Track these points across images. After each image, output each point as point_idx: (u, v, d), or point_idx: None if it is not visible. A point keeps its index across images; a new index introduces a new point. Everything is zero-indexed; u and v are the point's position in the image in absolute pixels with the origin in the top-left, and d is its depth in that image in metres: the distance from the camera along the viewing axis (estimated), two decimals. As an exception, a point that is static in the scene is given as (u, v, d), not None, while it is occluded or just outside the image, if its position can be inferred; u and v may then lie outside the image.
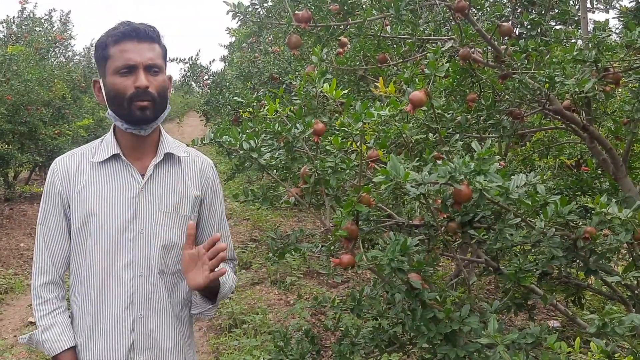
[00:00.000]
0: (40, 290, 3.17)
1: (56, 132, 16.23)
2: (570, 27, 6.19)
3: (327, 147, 3.51)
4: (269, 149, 3.58)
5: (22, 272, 10.99)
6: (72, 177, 3.16)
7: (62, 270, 3.23)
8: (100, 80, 3.14)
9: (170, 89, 3.26)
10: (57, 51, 20.30)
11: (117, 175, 3.15)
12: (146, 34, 3.05)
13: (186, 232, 3.06)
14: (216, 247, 2.95)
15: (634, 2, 5.10)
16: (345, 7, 4.84)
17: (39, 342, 3.15)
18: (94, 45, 3.30)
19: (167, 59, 3.26)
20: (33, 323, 8.65)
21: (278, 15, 4.98)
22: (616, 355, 2.79)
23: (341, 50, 5.38)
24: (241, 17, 4.83)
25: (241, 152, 3.46)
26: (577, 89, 4.04)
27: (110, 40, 3.05)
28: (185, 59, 13.19)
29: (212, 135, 3.48)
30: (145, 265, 3.12)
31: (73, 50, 22.07)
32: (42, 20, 18.48)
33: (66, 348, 3.13)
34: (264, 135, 3.56)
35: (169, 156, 3.25)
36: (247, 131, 3.51)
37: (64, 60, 20.75)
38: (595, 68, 4.23)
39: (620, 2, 5.52)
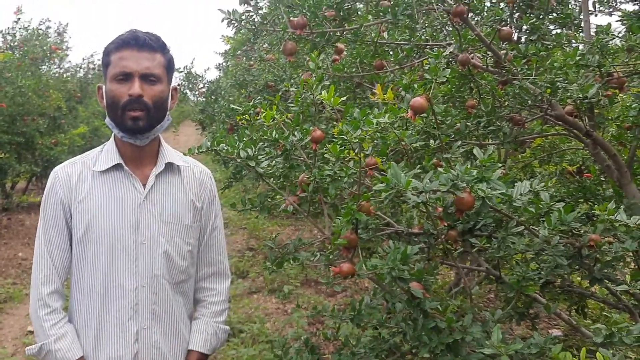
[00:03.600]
0: (47, 300, 3.10)
1: (53, 141, 16.24)
2: (570, 30, 6.14)
3: (326, 155, 3.46)
4: (267, 157, 3.53)
5: (21, 282, 10.92)
6: (74, 186, 3.12)
7: (64, 279, 3.18)
8: (103, 86, 3.10)
9: (174, 100, 3.24)
10: (54, 62, 20.31)
11: (119, 185, 3.12)
12: (146, 43, 3.01)
13: None
14: None
15: (638, 5, 5.06)
16: (342, 13, 4.81)
17: (51, 352, 3.07)
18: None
19: (173, 70, 3.23)
20: (32, 332, 8.61)
21: (273, 22, 4.94)
22: (623, 365, 2.73)
23: (337, 57, 5.34)
24: (236, 24, 4.79)
25: (238, 160, 3.42)
26: (580, 95, 3.99)
27: (111, 47, 3.04)
28: (180, 67, 13.18)
29: (209, 143, 3.43)
30: (148, 275, 3.09)
31: (69, 61, 22.10)
32: (38, 32, 18.46)
33: (78, 357, 3.09)
34: (261, 143, 3.51)
35: (169, 166, 3.22)
36: (244, 139, 3.46)
37: (60, 70, 20.77)
38: (598, 73, 4.18)
39: (622, 6, 5.49)
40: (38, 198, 17.04)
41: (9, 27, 17.55)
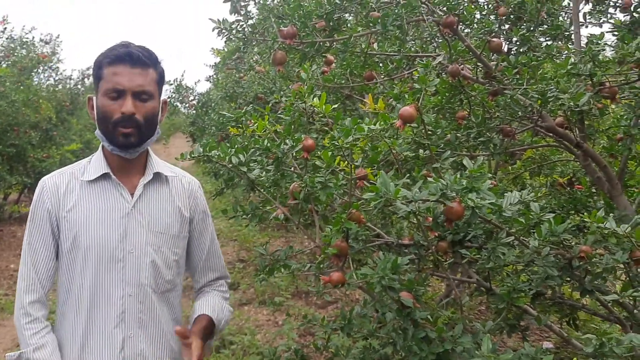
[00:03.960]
0: (28, 309, 3.08)
1: (44, 155, 16.19)
2: (560, 42, 6.16)
3: (317, 163, 3.46)
4: (258, 166, 3.53)
5: (13, 293, 10.75)
6: (62, 196, 3.11)
7: (47, 289, 3.16)
8: (94, 98, 3.10)
9: (164, 113, 3.24)
10: (46, 74, 20.25)
11: (107, 194, 3.12)
12: (139, 59, 3.00)
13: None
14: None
15: (629, 16, 5.07)
16: (331, 24, 4.81)
17: None
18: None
19: (163, 83, 3.23)
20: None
21: (264, 31, 4.94)
22: (614, 376, 2.72)
23: (326, 69, 5.34)
24: (226, 33, 4.79)
25: (230, 166, 3.42)
26: (572, 103, 3.99)
27: (105, 61, 3.02)
28: (170, 80, 13.15)
29: (201, 149, 3.43)
30: (135, 284, 3.08)
31: (62, 73, 21.99)
32: (24, 39, 18.36)
33: None
34: (252, 150, 3.51)
35: (157, 176, 3.22)
36: (236, 146, 3.46)
37: (53, 82, 20.69)
38: (590, 82, 4.18)
39: (614, 16, 5.50)
40: (29, 209, 16.80)
41: None
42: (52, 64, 20.09)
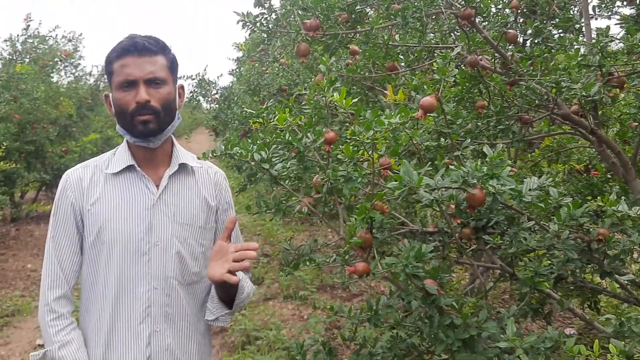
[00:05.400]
0: (53, 305, 3.07)
1: (63, 149, 16.16)
2: (572, 34, 6.22)
3: (339, 157, 3.50)
4: (281, 160, 3.57)
5: (29, 294, 10.81)
6: (85, 189, 3.12)
7: (72, 284, 3.16)
8: (110, 95, 3.13)
9: (181, 99, 3.26)
10: (67, 70, 20.29)
11: (132, 186, 3.12)
12: (145, 47, 3.03)
13: (225, 224, 3.06)
14: (245, 251, 2.96)
15: (635, 9, 5.15)
16: (354, 16, 4.86)
17: (54, 359, 3.05)
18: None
19: (177, 69, 3.23)
20: (41, 345, 8.43)
21: (287, 24, 4.99)
22: (635, 356, 2.77)
23: (350, 61, 5.38)
24: (250, 26, 4.85)
25: (252, 163, 3.46)
26: (583, 93, 4.06)
27: (113, 56, 3.06)
28: (193, 75, 13.11)
29: (223, 147, 3.46)
30: (161, 277, 3.08)
31: (83, 69, 22.04)
32: (47, 38, 18.38)
33: None
34: (275, 146, 3.54)
35: (183, 167, 3.23)
36: (258, 142, 3.49)
37: (73, 79, 20.71)
38: (599, 73, 4.24)
39: (621, 10, 5.59)
40: (48, 207, 16.51)
41: (17, 35, 17.48)
42: (74, 60, 20.16)
